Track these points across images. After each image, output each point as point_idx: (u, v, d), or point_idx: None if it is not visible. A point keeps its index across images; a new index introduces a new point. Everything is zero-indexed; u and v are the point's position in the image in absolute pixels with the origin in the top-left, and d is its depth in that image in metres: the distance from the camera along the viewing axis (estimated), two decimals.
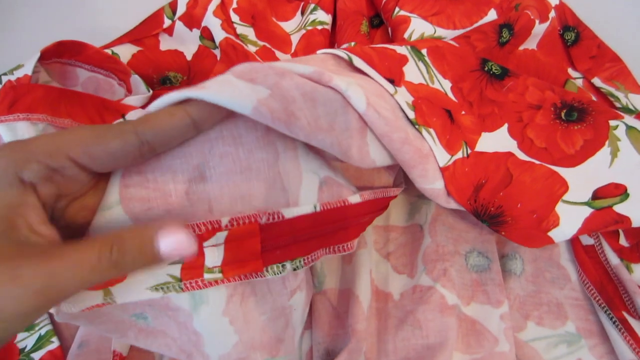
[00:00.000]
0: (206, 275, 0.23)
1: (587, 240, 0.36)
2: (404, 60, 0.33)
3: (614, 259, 0.34)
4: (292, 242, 0.24)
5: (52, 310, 0.22)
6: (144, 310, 0.25)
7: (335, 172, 0.27)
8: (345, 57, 0.29)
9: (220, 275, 0.23)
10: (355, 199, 0.26)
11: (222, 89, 0.21)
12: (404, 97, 0.30)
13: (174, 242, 0.20)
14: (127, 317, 0.25)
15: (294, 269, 0.24)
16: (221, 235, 0.23)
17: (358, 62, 0.29)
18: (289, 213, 0.24)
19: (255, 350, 0.26)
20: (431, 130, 0.30)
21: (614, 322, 0.32)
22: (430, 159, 0.29)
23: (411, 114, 0.29)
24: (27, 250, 0.18)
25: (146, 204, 0.23)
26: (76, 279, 0.18)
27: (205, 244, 0.23)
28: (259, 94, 0.22)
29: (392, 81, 0.30)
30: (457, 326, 0.31)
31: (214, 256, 0.23)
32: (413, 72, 0.33)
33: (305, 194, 0.25)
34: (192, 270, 0.23)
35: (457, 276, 0.33)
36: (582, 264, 0.35)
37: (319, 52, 0.30)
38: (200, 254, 0.23)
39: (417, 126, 0.29)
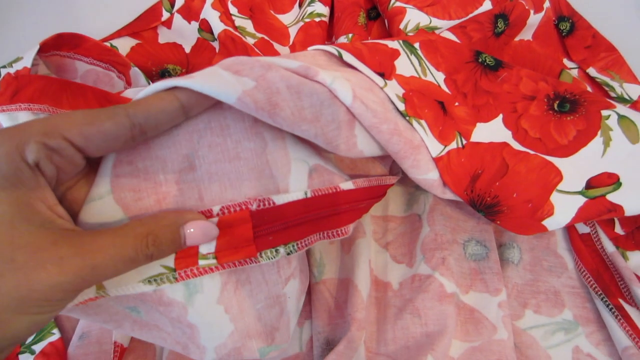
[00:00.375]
0: (201, 262, 0.23)
1: (583, 228, 0.36)
2: (395, 54, 0.33)
3: (609, 246, 0.34)
4: (285, 228, 0.25)
5: None
6: (137, 305, 0.25)
7: (326, 161, 0.27)
8: (336, 52, 0.30)
9: (214, 261, 0.23)
10: (347, 185, 0.27)
11: (208, 79, 0.22)
12: (394, 89, 0.30)
13: (200, 228, 0.22)
14: (121, 309, 0.25)
15: (288, 254, 0.25)
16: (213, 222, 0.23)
17: (348, 57, 0.30)
18: (280, 199, 0.24)
19: (251, 338, 0.26)
20: (422, 121, 0.30)
21: (610, 309, 0.32)
22: (422, 149, 0.29)
23: (401, 106, 0.29)
24: (64, 241, 0.19)
25: (137, 194, 0.23)
26: (113, 269, 0.20)
27: None
28: (245, 85, 0.23)
29: (382, 75, 0.30)
30: (456, 314, 0.32)
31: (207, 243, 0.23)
32: (405, 65, 0.33)
33: (295, 181, 0.25)
34: (186, 259, 0.23)
35: (456, 265, 0.34)
36: (579, 252, 0.36)
37: (310, 48, 0.31)
38: None
39: (407, 118, 0.29)
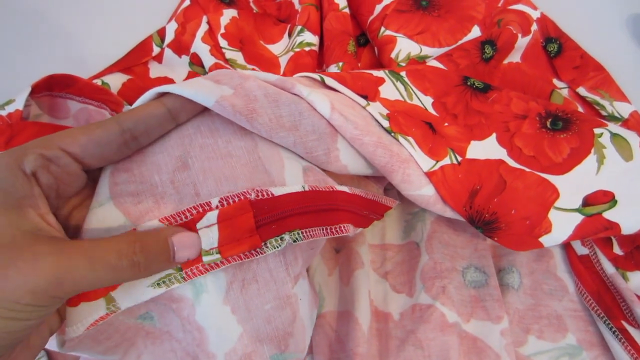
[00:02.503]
0: (205, 258, 0.23)
1: (582, 250, 0.36)
2: (380, 81, 0.34)
3: (609, 268, 0.34)
4: (287, 216, 0.24)
5: (55, 344, 0.22)
6: (149, 309, 0.25)
7: (318, 168, 0.28)
8: (318, 78, 0.31)
9: (218, 256, 0.23)
10: (342, 188, 0.27)
11: (189, 85, 0.24)
12: (377, 109, 0.30)
13: (190, 238, 0.22)
14: (133, 322, 0.25)
15: (294, 241, 0.24)
16: (212, 216, 0.23)
17: (329, 80, 0.31)
18: (278, 191, 0.24)
19: (262, 343, 0.25)
20: (409, 138, 0.30)
21: (613, 332, 0.32)
22: (411, 164, 0.29)
23: (385, 123, 0.30)
24: (44, 241, 0.18)
25: (136, 198, 0.24)
26: (93, 275, 0.19)
27: (197, 225, 0.23)
28: (223, 91, 0.24)
29: (365, 97, 0.31)
30: (459, 344, 0.31)
31: (208, 237, 0.23)
32: (389, 90, 0.33)
33: (291, 176, 0.25)
34: None
35: (456, 293, 0.33)
36: (579, 274, 0.35)
37: (295, 75, 0.31)
38: None
39: (392, 134, 0.29)
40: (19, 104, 0.35)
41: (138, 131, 0.23)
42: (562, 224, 0.30)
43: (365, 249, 0.36)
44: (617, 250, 0.35)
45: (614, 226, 0.30)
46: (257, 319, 0.25)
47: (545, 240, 0.30)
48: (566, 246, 0.37)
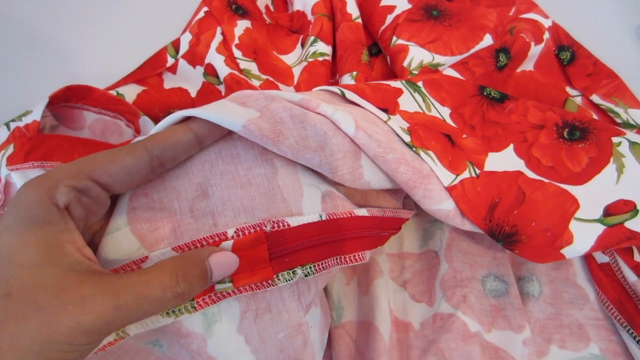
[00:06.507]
0: (218, 287, 0.23)
1: (602, 258, 0.36)
2: (398, 92, 0.33)
3: (631, 276, 0.34)
4: (301, 249, 0.24)
5: None
6: (159, 337, 0.24)
7: (337, 189, 0.28)
8: (338, 92, 0.31)
9: (230, 284, 0.23)
10: (361, 212, 0.27)
11: (215, 109, 0.23)
12: (398, 123, 0.30)
13: (224, 258, 0.22)
14: (143, 345, 0.24)
15: (306, 275, 0.24)
16: (227, 245, 0.23)
17: (350, 94, 0.31)
18: (294, 221, 0.24)
19: None
20: (430, 152, 0.30)
21: (637, 342, 0.32)
22: (432, 179, 0.29)
23: (407, 138, 0.30)
24: (87, 279, 0.18)
25: (153, 224, 0.24)
26: (139, 311, 0.19)
27: None
28: (250, 115, 0.24)
29: (385, 110, 0.31)
30: (481, 354, 0.31)
31: None
32: (408, 102, 0.33)
33: (309, 205, 0.25)
34: None
35: (477, 302, 0.33)
36: (600, 282, 0.35)
37: (314, 89, 0.31)
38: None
39: (414, 149, 0.29)
40: (36, 115, 0.36)
41: (166, 158, 0.23)
42: (584, 235, 0.30)
43: (383, 258, 0.36)
44: (638, 258, 0.35)
45: (636, 235, 0.29)
46: (270, 349, 0.25)
47: (567, 251, 0.30)
48: (586, 254, 0.36)
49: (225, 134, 0.25)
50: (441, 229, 0.36)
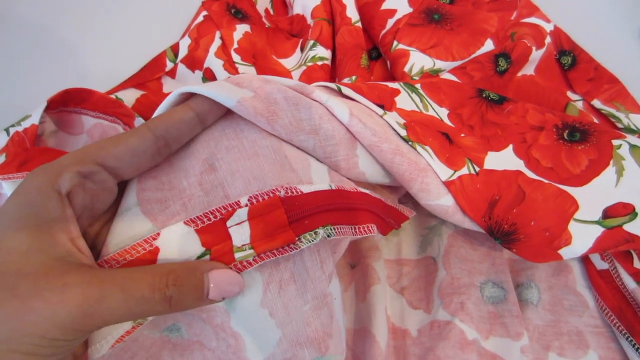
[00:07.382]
0: (237, 255, 0.22)
1: (601, 264, 0.35)
2: (395, 92, 0.34)
3: (630, 283, 0.34)
4: (318, 212, 0.24)
5: None
6: (177, 320, 0.24)
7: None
8: (335, 87, 0.31)
9: (252, 251, 0.22)
10: (365, 191, 0.27)
11: (211, 86, 0.24)
12: (394, 118, 0.30)
13: (225, 275, 0.21)
14: (158, 335, 0.24)
15: (328, 236, 0.23)
16: (242, 213, 0.22)
17: (346, 90, 0.31)
18: (306, 189, 0.24)
19: (302, 346, 0.24)
20: (427, 147, 0.30)
21: (636, 349, 0.31)
22: (429, 172, 0.29)
23: (402, 132, 0.30)
24: (74, 269, 0.18)
25: (163, 204, 0.24)
26: (124, 308, 0.18)
27: (228, 223, 0.22)
28: (244, 94, 0.24)
29: (382, 106, 0.31)
30: None
31: (240, 234, 0.22)
32: (405, 101, 0.34)
33: (318, 175, 0.25)
34: (222, 257, 0.22)
35: (475, 309, 0.33)
36: (599, 289, 0.35)
37: (312, 85, 0.31)
38: (227, 236, 0.22)
39: (410, 142, 0.29)
40: (34, 119, 0.36)
41: (170, 137, 0.23)
42: (582, 236, 0.30)
43: (381, 265, 0.35)
44: (637, 264, 0.34)
45: (634, 239, 0.29)
46: (296, 322, 0.23)
47: (565, 252, 0.30)
48: (585, 260, 0.36)
49: (225, 113, 0.26)
50: (439, 236, 0.36)
